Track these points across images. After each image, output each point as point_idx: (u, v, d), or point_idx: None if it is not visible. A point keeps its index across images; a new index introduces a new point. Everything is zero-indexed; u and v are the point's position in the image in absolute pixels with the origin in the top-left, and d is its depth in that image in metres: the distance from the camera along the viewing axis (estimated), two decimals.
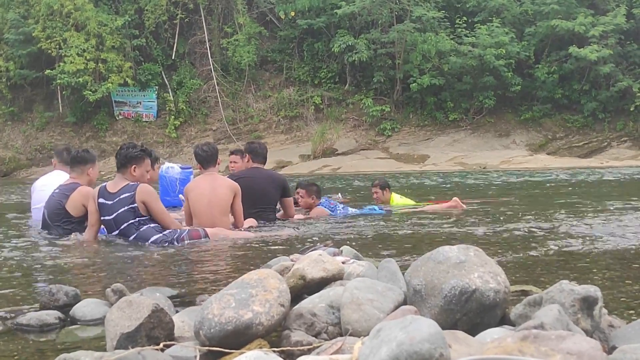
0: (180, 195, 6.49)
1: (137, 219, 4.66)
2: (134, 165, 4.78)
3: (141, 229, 4.65)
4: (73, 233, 5.03)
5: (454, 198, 7.28)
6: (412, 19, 24.78)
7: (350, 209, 6.91)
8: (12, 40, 25.17)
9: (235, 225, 5.47)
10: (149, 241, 4.59)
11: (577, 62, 24.20)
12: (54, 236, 5.10)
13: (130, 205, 4.65)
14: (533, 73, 25.40)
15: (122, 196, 4.67)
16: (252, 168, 6.18)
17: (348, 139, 25.31)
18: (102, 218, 4.78)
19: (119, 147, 4.92)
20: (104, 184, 4.89)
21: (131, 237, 4.66)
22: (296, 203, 6.81)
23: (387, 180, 8.36)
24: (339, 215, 6.63)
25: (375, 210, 6.85)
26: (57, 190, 5.34)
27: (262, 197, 6.00)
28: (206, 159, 5.44)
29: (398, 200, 7.80)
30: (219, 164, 5.62)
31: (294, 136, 25.96)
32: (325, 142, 24.52)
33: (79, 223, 5.21)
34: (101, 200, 4.75)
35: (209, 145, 5.58)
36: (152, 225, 4.69)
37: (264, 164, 6.34)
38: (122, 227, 4.68)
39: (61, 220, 5.18)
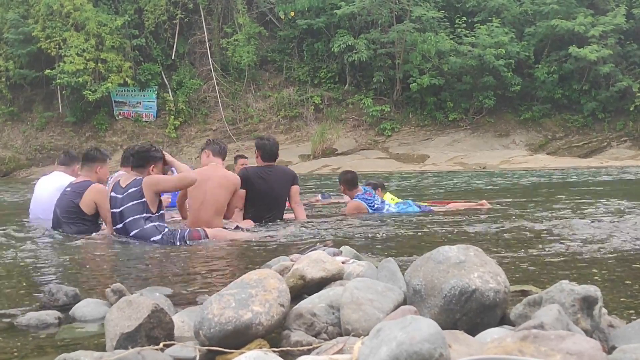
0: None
1: (144, 214, 4.66)
2: (152, 166, 4.83)
3: (143, 227, 4.65)
4: (92, 233, 5.06)
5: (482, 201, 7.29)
6: (411, 19, 24.76)
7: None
8: (11, 39, 25.16)
9: (227, 217, 5.57)
10: (149, 240, 4.60)
11: (576, 62, 24.19)
12: (65, 234, 5.11)
13: (139, 200, 4.66)
14: (533, 73, 25.39)
15: (130, 190, 4.69)
16: (266, 166, 6.08)
17: (348, 139, 25.30)
18: (110, 210, 4.81)
19: (137, 147, 4.95)
20: (119, 179, 4.93)
21: (132, 233, 4.65)
22: None
23: (382, 181, 8.43)
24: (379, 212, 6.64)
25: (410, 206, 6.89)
26: (68, 189, 5.37)
27: (276, 201, 6.03)
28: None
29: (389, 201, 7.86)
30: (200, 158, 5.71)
31: (293, 136, 25.94)
32: (325, 142, 24.52)
33: (92, 222, 5.25)
34: (112, 194, 4.81)
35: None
36: (155, 224, 4.70)
37: (274, 161, 6.18)
38: (126, 220, 4.68)
39: (74, 218, 5.20)
